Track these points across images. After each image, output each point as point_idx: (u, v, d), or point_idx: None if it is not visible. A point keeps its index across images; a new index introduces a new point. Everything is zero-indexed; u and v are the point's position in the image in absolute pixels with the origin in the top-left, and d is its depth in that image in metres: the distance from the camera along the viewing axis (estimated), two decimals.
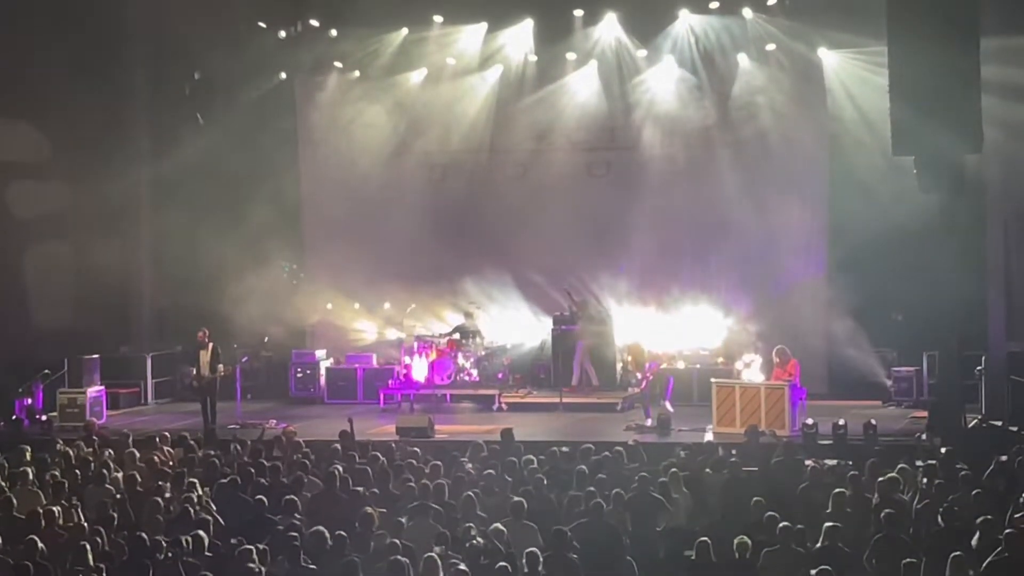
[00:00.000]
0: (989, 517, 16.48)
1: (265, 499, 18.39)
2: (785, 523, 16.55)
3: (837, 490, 18.25)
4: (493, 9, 32.36)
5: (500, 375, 31.82)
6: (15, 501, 18.50)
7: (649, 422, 26.87)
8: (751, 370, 27.05)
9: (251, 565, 15.39)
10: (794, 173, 31.55)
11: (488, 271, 32.69)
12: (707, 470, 20.32)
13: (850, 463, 20.72)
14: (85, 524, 17.62)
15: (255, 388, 31.98)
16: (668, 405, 27.45)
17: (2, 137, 30.41)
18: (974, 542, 16.19)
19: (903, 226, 27.72)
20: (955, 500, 17.81)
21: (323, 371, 32.30)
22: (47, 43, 30.14)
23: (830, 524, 16.48)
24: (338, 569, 15.38)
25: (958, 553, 15.28)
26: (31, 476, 20.16)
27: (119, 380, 31.85)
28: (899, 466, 19.83)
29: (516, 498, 17.66)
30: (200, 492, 19.18)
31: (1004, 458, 19.73)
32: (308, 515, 18.14)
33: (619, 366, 31.35)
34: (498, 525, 16.64)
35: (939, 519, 17.15)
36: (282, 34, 33.18)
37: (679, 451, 21.39)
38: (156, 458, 21.46)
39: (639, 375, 28.06)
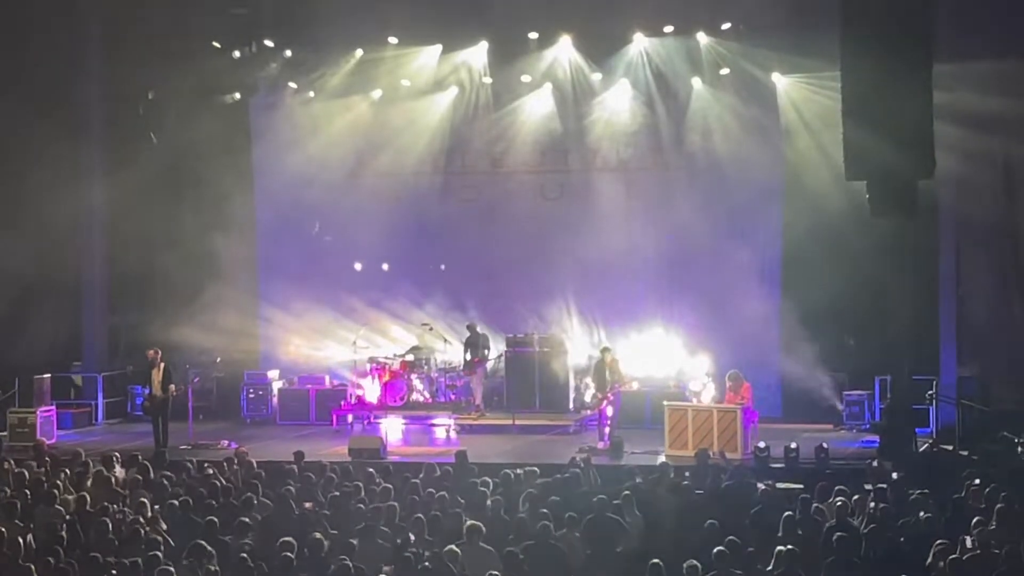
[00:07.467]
0: (943, 541, 16.53)
1: (216, 520, 18.28)
2: (736, 546, 16.54)
3: (787, 513, 18.28)
4: (448, 31, 32.20)
5: (453, 396, 31.76)
6: None
7: (601, 444, 26.84)
8: (702, 389, 27.28)
9: None
10: (748, 197, 31.59)
11: (442, 292, 32.74)
12: (660, 492, 20.32)
13: (802, 486, 20.78)
14: (33, 545, 17.47)
15: (207, 409, 31.80)
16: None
17: None
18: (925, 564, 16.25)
19: (857, 251, 27.92)
20: (905, 524, 17.88)
21: (275, 392, 32.17)
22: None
23: (782, 548, 16.47)
24: None
25: None
26: None
27: (70, 400, 31.74)
28: (837, 487, 19.84)
29: (471, 521, 17.60)
30: (151, 512, 19.05)
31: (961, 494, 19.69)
32: (259, 536, 18.04)
33: (571, 388, 31.27)
34: (452, 547, 16.57)
35: (889, 543, 17.20)
36: (236, 54, 32.96)
37: (636, 476, 21.37)
38: (107, 478, 21.29)
39: (599, 395, 27.70)
